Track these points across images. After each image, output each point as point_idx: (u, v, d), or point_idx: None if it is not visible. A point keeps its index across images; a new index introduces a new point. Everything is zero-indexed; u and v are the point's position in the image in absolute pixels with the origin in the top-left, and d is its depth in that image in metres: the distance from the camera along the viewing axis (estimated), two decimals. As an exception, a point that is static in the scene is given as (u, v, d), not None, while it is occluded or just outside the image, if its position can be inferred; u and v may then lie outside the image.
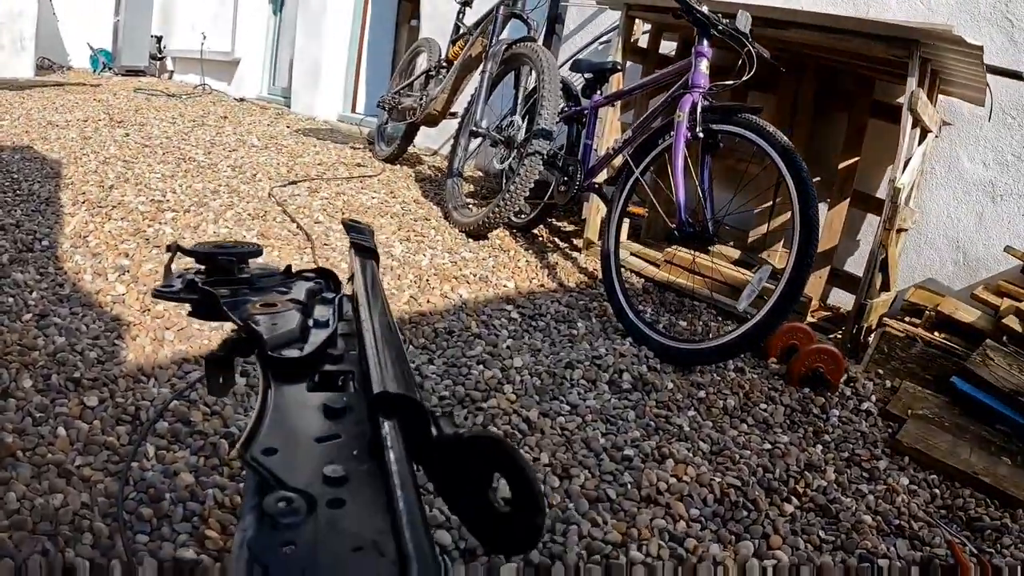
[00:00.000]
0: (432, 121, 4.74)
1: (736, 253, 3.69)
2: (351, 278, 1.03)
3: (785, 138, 2.51)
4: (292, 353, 0.68)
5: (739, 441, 2.14)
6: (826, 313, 3.39)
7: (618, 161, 3.35)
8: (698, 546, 1.64)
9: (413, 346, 2.42)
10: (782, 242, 3.63)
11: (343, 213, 3.71)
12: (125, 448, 1.57)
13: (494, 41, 4.07)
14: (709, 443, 2.10)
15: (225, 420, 1.72)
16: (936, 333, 2.77)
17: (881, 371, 2.73)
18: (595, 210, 3.81)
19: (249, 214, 3.38)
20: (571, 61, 4.16)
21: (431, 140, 5.83)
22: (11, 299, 2.25)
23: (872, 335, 2.90)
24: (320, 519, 0.43)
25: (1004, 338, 2.54)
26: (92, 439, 1.58)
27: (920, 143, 3.06)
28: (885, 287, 3.11)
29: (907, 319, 2.97)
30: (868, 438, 2.27)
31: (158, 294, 0.87)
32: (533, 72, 3.74)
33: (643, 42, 3.99)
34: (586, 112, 3.57)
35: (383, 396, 0.54)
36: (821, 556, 1.68)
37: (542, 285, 3.25)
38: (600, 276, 3.33)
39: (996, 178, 3.16)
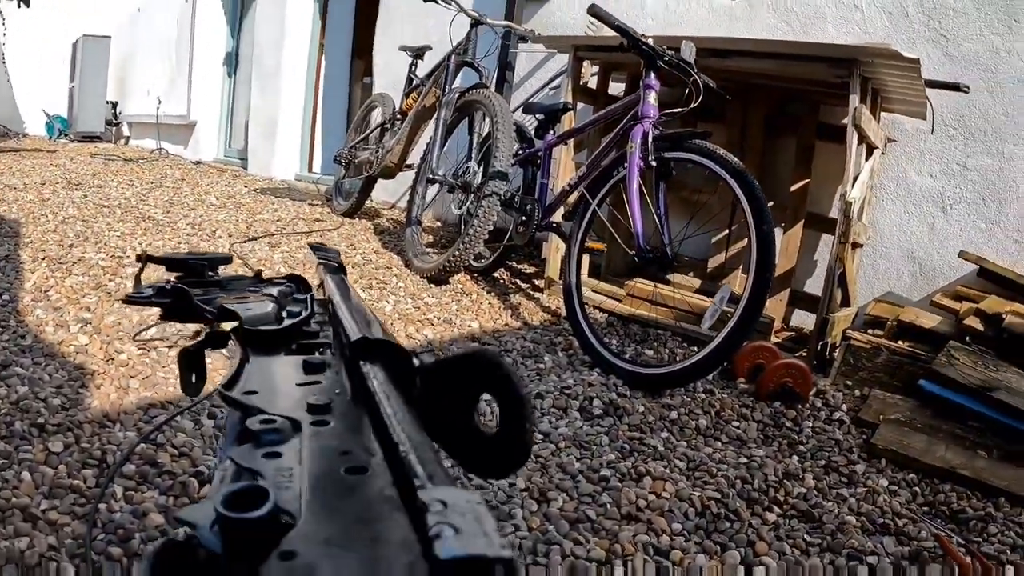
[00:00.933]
0: (389, 173, 4.76)
1: (697, 283, 3.73)
2: (320, 285, 1.03)
3: (736, 159, 2.56)
4: (269, 327, 0.67)
5: (715, 457, 2.13)
6: (790, 333, 3.42)
7: (574, 198, 3.38)
8: (684, 558, 1.62)
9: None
10: (741, 267, 3.68)
11: (304, 266, 3.68)
12: (92, 491, 1.52)
13: (447, 90, 4.12)
14: (685, 460, 2.09)
15: (194, 460, 1.68)
16: (900, 341, 2.81)
17: (849, 382, 2.75)
18: (554, 249, 3.83)
19: (208, 270, 3.34)
20: (523, 105, 4.23)
21: (388, 194, 5.86)
22: (-31, 355, 2.19)
23: (837, 349, 2.93)
24: (305, 437, 0.42)
25: (967, 339, 2.59)
26: (58, 483, 1.52)
27: (867, 159, 3.14)
28: (845, 302, 3.15)
29: (870, 331, 3.01)
30: (843, 445, 2.28)
31: (130, 299, 0.86)
32: (487, 118, 3.79)
33: (592, 83, 4.07)
34: (540, 153, 3.61)
35: (363, 341, 0.53)
36: (809, 559, 1.67)
37: (506, 324, 3.24)
38: (563, 313, 3.33)
39: (944, 188, 3.25)
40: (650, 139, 2.78)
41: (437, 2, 4.17)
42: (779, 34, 3.71)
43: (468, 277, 3.83)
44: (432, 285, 3.62)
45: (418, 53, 4.87)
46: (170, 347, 2.38)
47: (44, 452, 1.63)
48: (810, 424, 2.40)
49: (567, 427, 2.21)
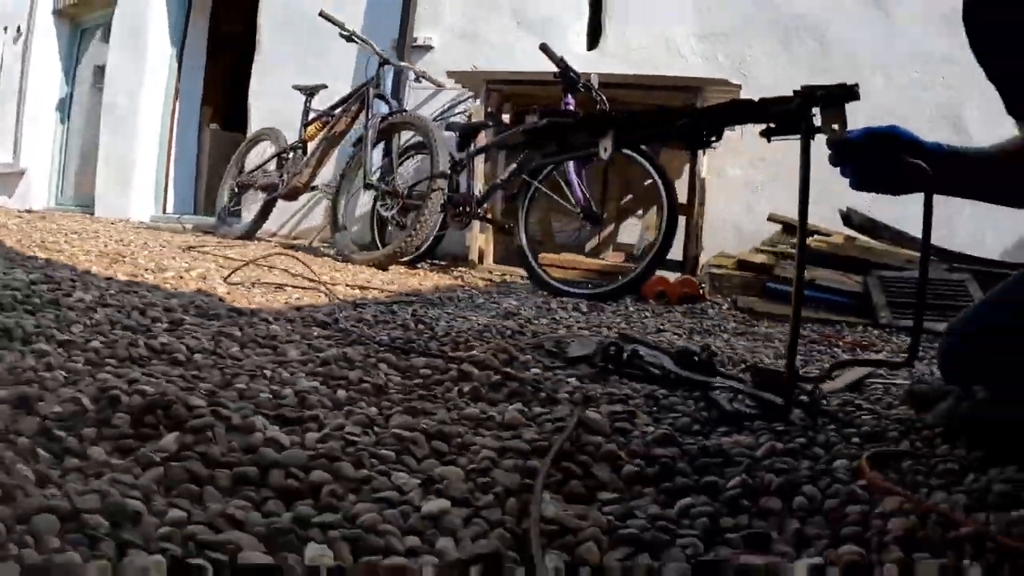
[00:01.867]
0: (295, 194, 5.57)
1: (583, 258, 4.99)
2: None
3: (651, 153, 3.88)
4: None
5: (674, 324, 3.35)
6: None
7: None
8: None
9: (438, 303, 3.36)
10: (611, 247, 5.00)
11: (264, 261, 4.37)
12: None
13: (371, 115, 5.05)
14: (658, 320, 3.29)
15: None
16: (741, 272, 4.22)
17: (719, 296, 4.11)
18: (475, 237, 4.92)
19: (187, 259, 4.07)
20: (446, 124, 5.21)
21: (269, 223, 6.40)
22: None
23: (704, 281, 4.29)
24: None
25: (786, 261, 4.05)
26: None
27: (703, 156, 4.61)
28: (699, 253, 4.56)
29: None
30: (736, 317, 3.59)
31: None
32: (414, 136, 4.86)
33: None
34: (465, 160, 4.71)
35: None
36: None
37: (461, 285, 4.23)
38: (497, 280, 4.43)
39: (753, 176, 4.79)
40: (574, 138, 4.04)
41: (355, 41, 5.18)
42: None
43: (400, 266, 4.75)
44: (378, 271, 4.47)
45: (312, 91, 5.77)
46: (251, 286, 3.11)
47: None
48: (712, 310, 3.71)
49: (573, 314, 3.33)
